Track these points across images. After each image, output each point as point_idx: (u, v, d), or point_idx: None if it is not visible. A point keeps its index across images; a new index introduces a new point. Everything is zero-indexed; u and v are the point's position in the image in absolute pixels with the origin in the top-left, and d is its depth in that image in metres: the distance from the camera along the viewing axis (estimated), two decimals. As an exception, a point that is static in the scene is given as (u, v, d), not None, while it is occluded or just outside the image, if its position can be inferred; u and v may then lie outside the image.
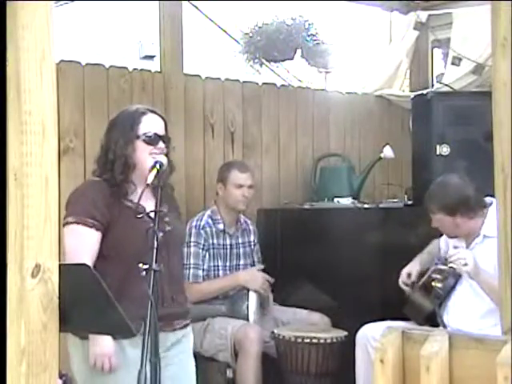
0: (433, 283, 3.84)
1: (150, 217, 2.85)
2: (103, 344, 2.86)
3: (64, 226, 2.92)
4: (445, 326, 3.72)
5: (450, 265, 3.74)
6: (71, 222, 2.94)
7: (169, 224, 3.05)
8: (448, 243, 3.98)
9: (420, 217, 4.39)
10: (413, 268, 4.00)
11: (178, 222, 3.20)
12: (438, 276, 3.83)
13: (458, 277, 3.80)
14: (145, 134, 3.00)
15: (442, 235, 4.03)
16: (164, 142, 3.03)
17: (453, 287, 3.83)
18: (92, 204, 2.95)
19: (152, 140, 3.00)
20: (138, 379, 2.51)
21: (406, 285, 3.98)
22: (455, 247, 3.88)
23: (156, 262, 2.66)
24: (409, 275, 3.98)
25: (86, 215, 2.92)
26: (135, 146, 2.99)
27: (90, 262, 2.80)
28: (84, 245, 2.93)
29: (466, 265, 3.68)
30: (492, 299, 3.60)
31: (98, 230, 2.94)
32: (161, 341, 2.73)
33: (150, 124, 3.03)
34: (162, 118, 3.11)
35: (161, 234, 2.83)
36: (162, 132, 3.05)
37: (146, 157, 2.98)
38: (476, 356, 1.83)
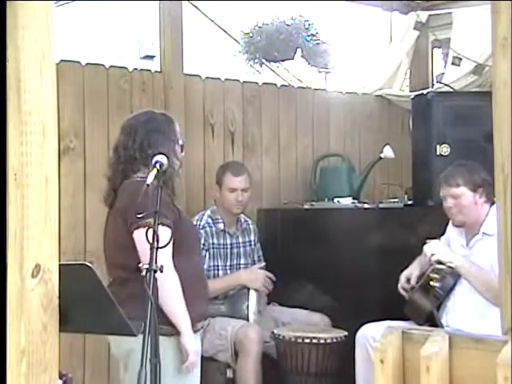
0: (431, 283, 3.84)
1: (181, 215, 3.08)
2: (194, 341, 2.95)
3: (140, 228, 2.89)
4: (443, 327, 3.72)
5: (432, 258, 3.79)
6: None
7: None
8: (449, 243, 3.98)
9: (420, 217, 4.39)
10: (412, 272, 3.99)
11: None
12: (436, 275, 3.83)
13: (457, 276, 3.80)
14: (180, 139, 3.21)
15: (442, 235, 4.03)
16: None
17: (452, 287, 3.83)
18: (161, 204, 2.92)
19: (183, 146, 3.22)
20: (138, 379, 2.52)
21: (405, 290, 3.98)
22: (448, 245, 3.90)
23: (156, 262, 2.66)
24: (408, 280, 3.98)
25: (163, 215, 2.86)
26: (175, 150, 3.14)
27: (171, 262, 2.91)
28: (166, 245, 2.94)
29: (433, 254, 3.80)
30: (480, 293, 3.66)
31: (171, 228, 2.97)
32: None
33: (179, 131, 3.25)
34: None
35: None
36: None
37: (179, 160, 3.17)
38: (476, 356, 1.83)
